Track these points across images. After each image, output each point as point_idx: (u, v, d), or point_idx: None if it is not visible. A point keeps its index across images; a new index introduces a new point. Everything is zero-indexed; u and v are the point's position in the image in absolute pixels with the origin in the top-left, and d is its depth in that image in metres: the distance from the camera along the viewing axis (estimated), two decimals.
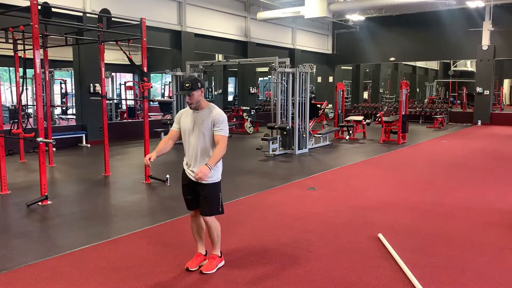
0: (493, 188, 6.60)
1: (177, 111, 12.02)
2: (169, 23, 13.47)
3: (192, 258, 3.57)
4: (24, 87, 6.86)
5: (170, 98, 15.92)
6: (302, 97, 10.05)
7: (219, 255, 3.55)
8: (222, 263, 3.57)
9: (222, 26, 15.42)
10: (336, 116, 13.15)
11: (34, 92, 7.70)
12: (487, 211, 5.28)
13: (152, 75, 23.41)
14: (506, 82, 28.18)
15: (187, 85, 3.28)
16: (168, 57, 17.52)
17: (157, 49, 14.82)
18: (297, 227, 4.64)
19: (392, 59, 20.46)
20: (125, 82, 19.83)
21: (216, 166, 3.36)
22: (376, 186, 6.73)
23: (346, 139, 12.69)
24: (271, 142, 9.72)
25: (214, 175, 3.37)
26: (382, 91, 26.27)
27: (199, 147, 3.36)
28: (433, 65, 30.24)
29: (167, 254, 3.85)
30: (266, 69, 19.84)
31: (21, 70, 7.43)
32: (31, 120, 11.28)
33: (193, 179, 3.37)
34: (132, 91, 19.41)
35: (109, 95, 15.41)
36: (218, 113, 3.36)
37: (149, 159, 3.39)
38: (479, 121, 17.73)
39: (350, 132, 12.84)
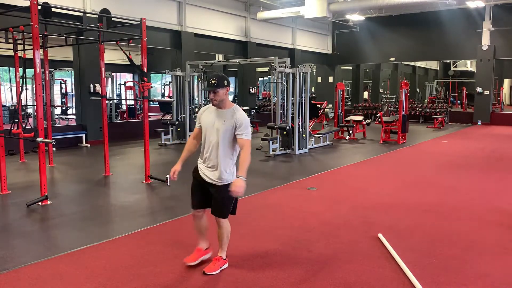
0: (493, 188, 6.60)
1: (177, 111, 12.10)
2: (169, 23, 13.47)
3: (192, 253, 3.55)
4: (24, 87, 6.86)
5: (170, 98, 15.92)
6: (302, 97, 10.05)
7: (224, 257, 3.54)
8: (226, 265, 3.55)
9: (222, 26, 15.42)
10: (336, 116, 13.14)
11: (34, 92, 7.70)
12: (487, 211, 5.28)
13: (152, 75, 23.41)
14: (506, 82, 28.17)
15: (213, 81, 3.24)
16: (168, 57, 17.52)
17: (157, 49, 14.81)
18: (297, 227, 4.64)
19: (392, 59, 20.46)
20: (125, 82, 19.83)
21: (233, 166, 3.36)
22: (376, 186, 6.73)
23: (346, 139, 12.69)
24: (271, 142, 9.73)
25: (228, 177, 3.33)
26: (382, 91, 26.27)
27: (217, 145, 3.31)
28: (433, 65, 30.24)
29: (167, 254, 3.85)
30: (266, 69, 19.86)
31: (21, 70, 7.42)
32: (31, 120, 11.29)
33: (207, 179, 3.36)
34: (132, 91, 19.41)
35: (109, 95, 15.42)
36: (241, 116, 3.30)
37: (174, 173, 3.42)
38: (479, 121, 17.73)
39: (350, 132, 12.83)
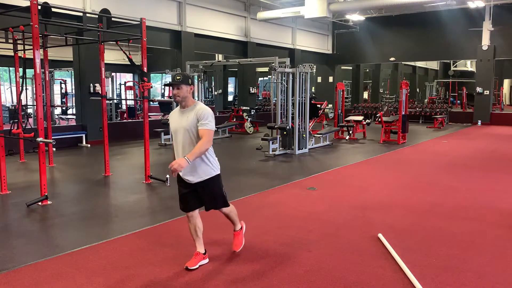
0: (493, 188, 6.60)
1: None
2: (169, 23, 13.48)
3: (191, 258, 3.57)
4: (24, 87, 6.86)
5: (170, 98, 15.89)
6: (302, 97, 10.05)
7: (239, 227, 3.90)
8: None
9: (222, 26, 15.43)
10: (336, 116, 13.14)
11: (34, 92, 7.70)
12: (487, 211, 5.28)
13: (152, 75, 23.40)
14: (506, 82, 28.16)
15: (178, 77, 3.37)
16: (168, 57, 17.52)
17: (157, 49, 14.82)
18: (297, 227, 4.64)
19: (392, 59, 20.46)
20: (125, 82, 19.82)
21: (210, 162, 3.44)
22: (376, 186, 6.73)
23: (346, 139, 12.68)
24: (271, 142, 9.72)
25: (209, 171, 3.44)
26: (382, 91, 26.26)
27: (186, 144, 3.40)
28: (433, 65, 30.23)
29: (167, 254, 3.85)
30: (266, 69, 19.85)
31: (21, 70, 7.43)
32: (31, 120, 11.28)
33: (192, 181, 3.43)
34: (132, 91, 19.40)
35: (109, 95, 15.40)
36: (201, 108, 3.40)
37: (173, 167, 3.21)
38: (479, 121, 17.73)
39: (350, 132, 12.83)
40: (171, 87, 3.41)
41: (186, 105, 3.43)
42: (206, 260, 3.61)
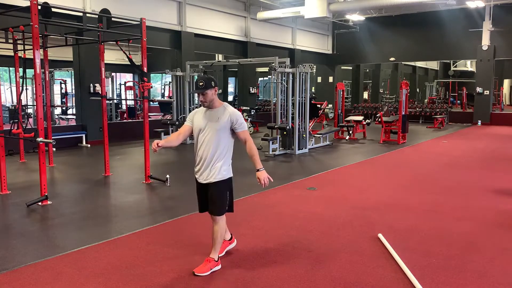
0: (493, 188, 6.59)
1: (177, 111, 12.11)
2: (169, 23, 13.48)
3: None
4: (24, 87, 6.86)
5: (170, 98, 15.91)
6: (302, 97, 10.05)
7: (216, 259, 3.49)
8: (218, 267, 3.50)
9: (222, 26, 15.43)
10: (336, 116, 13.15)
11: (34, 92, 7.70)
12: (487, 211, 5.28)
13: (152, 75, 23.41)
14: (506, 82, 28.16)
15: (201, 83, 3.33)
16: (168, 57, 17.52)
17: (157, 49, 14.82)
18: (297, 227, 4.64)
19: (392, 59, 20.46)
20: (125, 82, 19.83)
21: (228, 164, 3.45)
22: (376, 186, 6.73)
23: (346, 139, 12.69)
24: (271, 142, 9.72)
25: (225, 173, 3.41)
26: (382, 91, 26.26)
27: (213, 144, 3.38)
28: (433, 65, 30.23)
29: (167, 254, 3.85)
30: (266, 69, 19.85)
31: (21, 70, 7.43)
32: (31, 120, 11.28)
33: (204, 181, 3.42)
34: (132, 91, 19.41)
35: (109, 95, 15.42)
36: (234, 110, 3.45)
37: (158, 144, 3.33)
38: (479, 121, 17.73)
39: (350, 132, 12.84)
40: (196, 94, 3.38)
41: (214, 106, 3.42)
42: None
